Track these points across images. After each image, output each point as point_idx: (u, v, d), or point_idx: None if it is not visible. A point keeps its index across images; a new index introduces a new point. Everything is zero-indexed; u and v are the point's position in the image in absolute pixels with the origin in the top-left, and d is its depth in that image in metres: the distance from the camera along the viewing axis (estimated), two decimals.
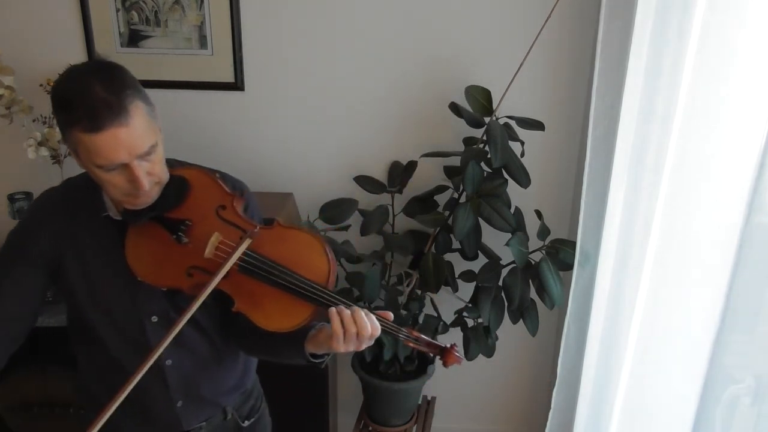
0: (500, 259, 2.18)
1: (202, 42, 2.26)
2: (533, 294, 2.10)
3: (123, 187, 1.17)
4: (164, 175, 1.22)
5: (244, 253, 1.22)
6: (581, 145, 2.24)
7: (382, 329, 1.21)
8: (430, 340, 1.28)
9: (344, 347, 1.20)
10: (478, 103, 2.10)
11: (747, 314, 1.34)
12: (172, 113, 2.29)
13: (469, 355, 2.17)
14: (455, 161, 2.17)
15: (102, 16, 2.25)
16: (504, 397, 2.67)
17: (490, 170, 2.08)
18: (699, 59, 1.45)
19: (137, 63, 2.25)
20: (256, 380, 1.57)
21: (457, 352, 1.28)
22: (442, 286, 2.16)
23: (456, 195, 2.16)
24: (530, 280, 2.09)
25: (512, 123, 2.12)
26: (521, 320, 2.15)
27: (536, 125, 2.10)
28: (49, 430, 2.31)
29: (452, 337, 1.89)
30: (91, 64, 1.20)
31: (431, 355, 1.29)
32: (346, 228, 2.26)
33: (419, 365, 2.34)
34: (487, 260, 2.17)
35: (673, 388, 1.61)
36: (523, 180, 2.09)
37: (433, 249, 2.18)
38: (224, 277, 1.21)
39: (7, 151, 2.37)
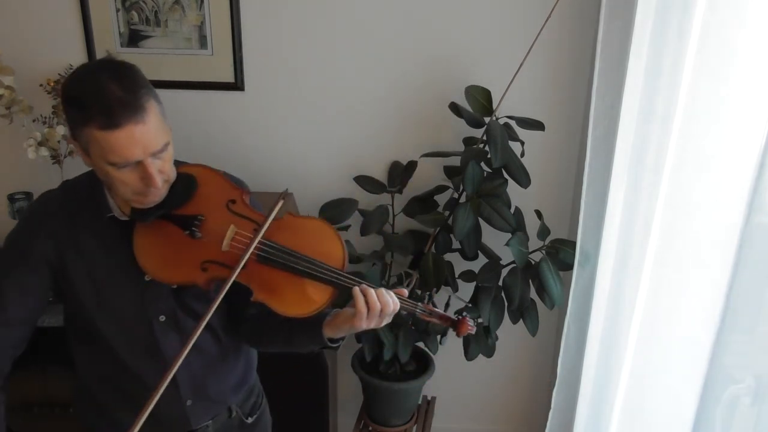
0: (500, 259, 2.18)
1: (202, 42, 2.26)
2: (533, 294, 2.10)
3: (134, 186, 1.17)
4: (173, 173, 1.23)
5: (262, 242, 1.24)
6: (581, 145, 2.24)
7: (401, 305, 1.26)
8: (444, 313, 1.34)
9: (367, 324, 1.24)
10: (478, 103, 2.10)
11: (747, 314, 1.34)
12: (172, 113, 2.25)
13: (469, 355, 2.17)
14: (455, 161, 2.17)
15: (102, 16, 2.25)
16: (504, 397, 2.67)
17: (490, 170, 2.08)
18: (699, 59, 1.45)
19: (137, 63, 2.17)
20: (256, 377, 1.58)
21: (470, 323, 1.33)
22: (442, 286, 2.16)
23: (456, 195, 2.16)
24: (530, 280, 2.09)
25: (512, 123, 2.12)
26: (521, 320, 2.15)
27: (536, 125, 2.10)
28: (49, 430, 2.31)
29: (452, 337, 1.90)
30: (104, 62, 1.20)
31: (445, 326, 1.35)
32: (346, 228, 2.26)
33: (419, 365, 2.34)
34: (487, 260, 2.17)
35: (673, 388, 1.60)
36: (523, 180, 2.09)
37: (433, 249, 2.18)
38: (242, 268, 1.23)
39: (7, 151, 2.37)
